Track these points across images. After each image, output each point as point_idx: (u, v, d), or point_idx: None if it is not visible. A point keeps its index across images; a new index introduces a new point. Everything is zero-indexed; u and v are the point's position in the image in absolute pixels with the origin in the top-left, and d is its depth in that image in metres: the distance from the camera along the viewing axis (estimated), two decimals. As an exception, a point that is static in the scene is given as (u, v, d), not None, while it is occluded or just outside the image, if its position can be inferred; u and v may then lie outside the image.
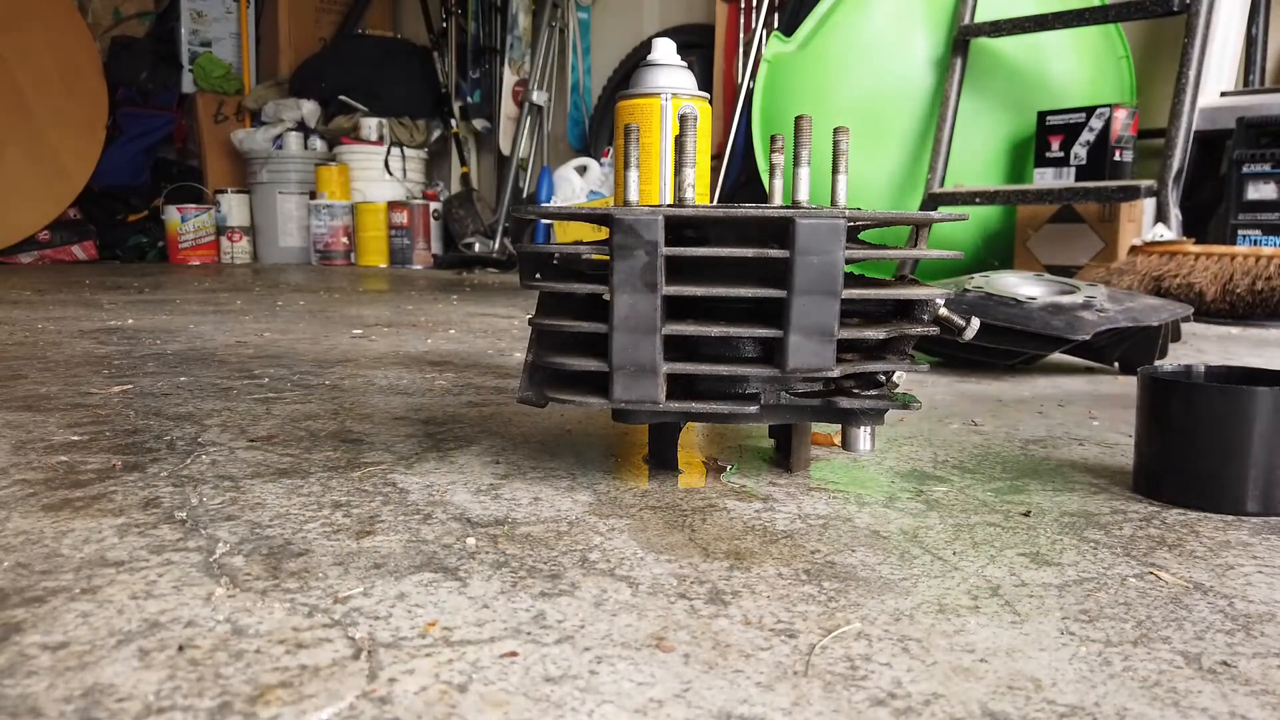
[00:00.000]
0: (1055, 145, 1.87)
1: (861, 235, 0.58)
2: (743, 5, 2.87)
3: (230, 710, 0.28)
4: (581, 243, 0.50)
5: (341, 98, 3.79)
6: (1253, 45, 2.04)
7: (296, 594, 0.37)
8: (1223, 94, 2.02)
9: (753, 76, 2.38)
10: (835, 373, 0.49)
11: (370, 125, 3.77)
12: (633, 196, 0.51)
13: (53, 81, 3.35)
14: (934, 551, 0.44)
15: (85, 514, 0.47)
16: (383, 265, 3.62)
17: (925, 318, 0.53)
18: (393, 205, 3.63)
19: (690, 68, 0.70)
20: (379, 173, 3.78)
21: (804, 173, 0.51)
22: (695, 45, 2.94)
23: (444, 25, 3.93)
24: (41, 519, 0.46)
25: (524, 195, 3.56)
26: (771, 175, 0.60)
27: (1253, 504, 0.50)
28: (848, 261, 0.47)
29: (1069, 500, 0.54)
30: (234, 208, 3.79)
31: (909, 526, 0.48)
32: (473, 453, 0.62)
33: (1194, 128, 1.67)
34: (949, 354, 1.08)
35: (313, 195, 3.75)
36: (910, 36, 1.93)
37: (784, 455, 0.60)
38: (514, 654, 0.32)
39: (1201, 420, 0.51)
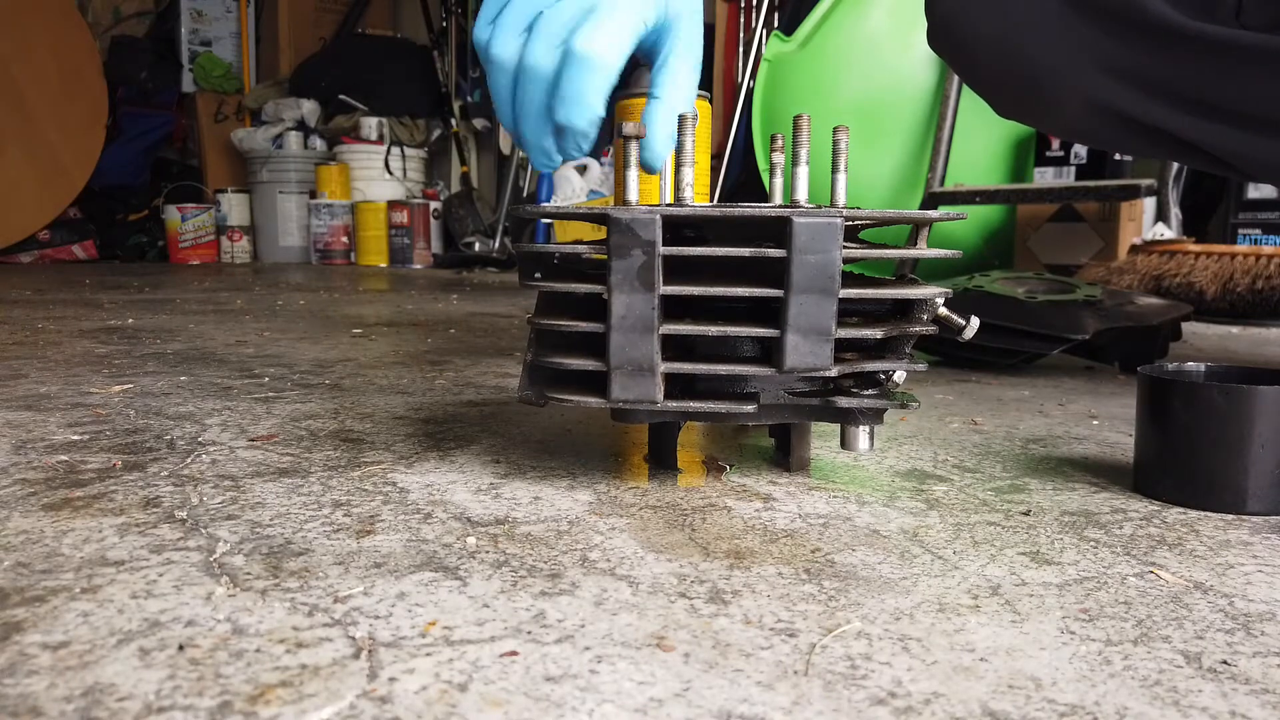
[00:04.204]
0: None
1: (862, 234, 0.58)
2: (743, 5, 2.87)
3: (230, 709, 0.28)
4: (581, 242, 0.50)
5: (341, 97, 3.79)
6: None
7: (297, 593, 0.37)
8: (1223, 93, 2.01)
9: (753, 76, 2.38)
10: (833, 372, 0.49)
11: (370, 124, 3.77)
12: (632, 196, 0.51)
13: (53, 81, 3.35)
14: (934, 550, 0.44)
15: (85, 513, 0.47)
16: (383, 265, 3.62)
17: (924, 317, 0.53)
18: (393, 204, 3.64)
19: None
20: (379, 172, 3.78)
21: (802, 172, 0.51)
22: (695, 44, 2.94)
23: (444, 24, 3.93)
24: (42, 518, 0.46)
25: (524, 195, 3.56)
26: (771, 175, 0.60)
27: (1253, 503, 0.50)
28: (846, 261, 0.47)
29: (1069, 499, 0.54)
30: (234, 207, 3.79)
31: (909, 525, 0.48)
32: (473, 452, 0.62)
33: (1194, 126, 1.67)
34: (949, 353, 1.08)
35: (313, 195, 3.75)
36: (910, 35, 1.93)
37: (784, 454, 0.60)
38: (514, 653, 0.33)
39: (1202, 419, 0.51)
